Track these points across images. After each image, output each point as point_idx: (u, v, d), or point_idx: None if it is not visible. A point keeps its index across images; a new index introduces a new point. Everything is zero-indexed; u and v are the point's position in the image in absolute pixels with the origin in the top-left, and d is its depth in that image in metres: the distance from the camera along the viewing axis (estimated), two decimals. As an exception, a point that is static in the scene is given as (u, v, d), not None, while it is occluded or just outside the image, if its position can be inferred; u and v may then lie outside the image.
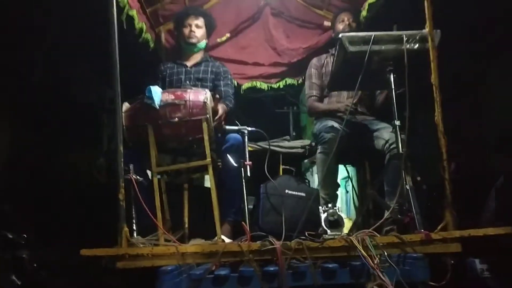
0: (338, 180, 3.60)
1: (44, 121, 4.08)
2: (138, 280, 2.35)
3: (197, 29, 3.27)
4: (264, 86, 3.94)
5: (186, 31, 3.27)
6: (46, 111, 4.06)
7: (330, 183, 2.91)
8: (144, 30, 3.38)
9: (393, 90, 2.53)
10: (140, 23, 3.30)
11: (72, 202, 4.17)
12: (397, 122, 2.49)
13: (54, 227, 3.84)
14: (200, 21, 3.29)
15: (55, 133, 4.14)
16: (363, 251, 2.00)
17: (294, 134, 4.57)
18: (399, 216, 2.40)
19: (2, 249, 3.17)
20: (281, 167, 3.33)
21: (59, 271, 3.40)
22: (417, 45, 2.49)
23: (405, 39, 2.46)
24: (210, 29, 3.38)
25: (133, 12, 3.17)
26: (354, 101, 2.81)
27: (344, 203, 5.30)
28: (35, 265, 3.29)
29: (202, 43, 3.33)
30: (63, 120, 4.16)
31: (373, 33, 2.47)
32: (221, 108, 2.83)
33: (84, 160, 4.30)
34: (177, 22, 3.38)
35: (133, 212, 2.46)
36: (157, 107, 2.53)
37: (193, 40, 3.26)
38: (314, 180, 4.12)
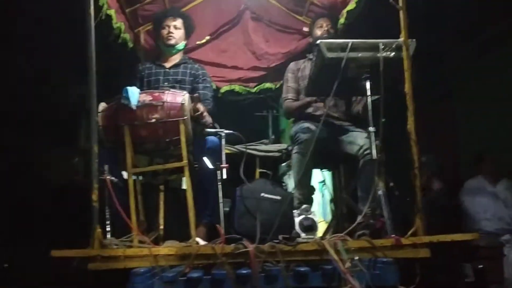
0: (315, 184, 3.64)
1: (20, 120, 4.03)
2: (110, 282, 2.34)
3: (175, 31, 3.26)
4: (242, 90, 3.95)
5: (164, 32, 3.26)
6: (22, 110, 4.01)
7: (305, 184, 2.94)
8: (122, 30, 3.36)
9: (369, 97, 2.58)
10: (118, 22, 3.28)
11: (48, 202, 4.12)
12: (372, 129, 2.53)
13: (28, 228, 3.79)
14: (179, 22, 3.28)
15: (31, 132, 4.09)
16: (334, 255, 2.03)
17: (273, 137, 4.59)
18: (371, 221, 2.45)
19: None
20: (258, 170, 3.34)
21: (31, 271, 3.36)
22: (393, 53, 2.53)
23: (381, 47, 2.50)
24: (189, 30, 3.38)
25: (112, 12, 3.15)
26: (327, 105, 2.84)
27: (321, 206, 5.35)
28: (4, 265, 3.25)
29: (181, 45, 3.32)
30: (40, 119, 4.11)
31: (350, 41, 2.51)
32: (201, 106, 2.83)
33: (61, 159, 4.25)
34: (156, 23, 3.36)
35: (107, 213, 2.44)
36: (134, 107, 2.52)
37: (171, 42, 3.25)
38: (291, 183, 4.14)
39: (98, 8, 2.98)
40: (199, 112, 2.78)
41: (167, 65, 3.28)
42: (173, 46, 3.26)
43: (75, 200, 3.43)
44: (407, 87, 2.39)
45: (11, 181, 3.90)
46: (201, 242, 2.58)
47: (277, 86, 3.90)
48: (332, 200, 3.67)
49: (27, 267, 3.35)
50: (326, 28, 3.35)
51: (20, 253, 3.50)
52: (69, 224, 3.53)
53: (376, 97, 2.57)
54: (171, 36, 3.24)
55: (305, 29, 3.85)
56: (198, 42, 3.82)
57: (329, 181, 3.78)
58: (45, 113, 4.11)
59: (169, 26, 3.25)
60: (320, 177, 3.81)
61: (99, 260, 2.07)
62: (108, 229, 2.44)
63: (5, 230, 3.49)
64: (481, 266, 3.08)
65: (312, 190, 3.13)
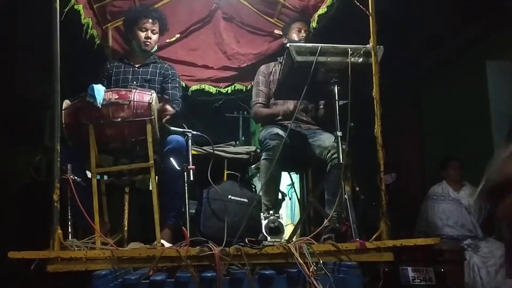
0: (284, 187, 3.65)
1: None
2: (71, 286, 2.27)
3: (153, 36, 3.17)
4: (212, 89, 3.90)
5: (142, 35, 3.14)
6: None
7: (272, 190, 2.94)
8: (90, 26, 3.29)
9: (337, 101, 2.60)
10: (86, 18, 3.21)
11: (8, 201, 3.99)
12: (339, 133, 2.55)
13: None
14: (157, 27, 3.19)
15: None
16: (299, 259, 2.03)
17: (243, 139, 4.58)
18: (337, 225, 2.47)
19: None
20: (226, 172, 3.32)
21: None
22: (361, 59, 2.56)
23: (350, 52, 2.53)
24: (162, 31, 3.30)
25: (80, 7, 3.08)
26: (296, 111, 2.85)
27: (288, 209, 5.37)
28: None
29: (154, 48, 3.26)
30: (4, 116, 3.98)
31: (319, 45, 2.52)
32: (169, 107, 2.79)
33: (22, 158, 4.12)
34: (131, 22, 3.21)
35: (69, 214, 2.37)
36: (99, 105, 2.47)
37: (148, 48, 3.16)
38: (260, 186, 4.14)
39: (66, 3, 2.91)
40: (169, 113, 2.74)
41: (136, 63, 3.20)
42: (147, 51, 3.18)
43: (37, 199, 3.33)
44: (375, 92, 2.42)
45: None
46: (166, 244, 2.54)
47: (248, 87, 3.88)
48: (300, 203, 3.69)
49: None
50: (303, 34, 3.35)
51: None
52: (30, 225, 3.43)
53: (344, 101, 2.60)
54: (148, 42, 3.15)
55: (277, 31, 3.86)
56: (167, 40, 3.76)
57: (297, 184, 3.79)
58: (7, 108, 3.97)
59: (147, 30, 3.14)
60: (289, 180, 3.83)
61: (59, 262, 2.01)
62: (69, 230, 2.38)
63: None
64: (442, 269, 3.14)
65: (282, 195, 3.14)
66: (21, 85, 4.33)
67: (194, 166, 2.64)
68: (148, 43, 3.15)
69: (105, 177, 3.02)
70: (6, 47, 3.90)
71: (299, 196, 3.66)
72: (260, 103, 3.31)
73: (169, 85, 3.16)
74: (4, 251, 2.02)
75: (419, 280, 2.90)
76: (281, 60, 3.31)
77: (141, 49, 3.17)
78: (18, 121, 4.19)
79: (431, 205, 4.21)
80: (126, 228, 2.79)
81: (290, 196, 4.12)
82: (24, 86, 4.34)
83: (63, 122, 2.52)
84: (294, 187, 3.75)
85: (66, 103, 2.59)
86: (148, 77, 3.14)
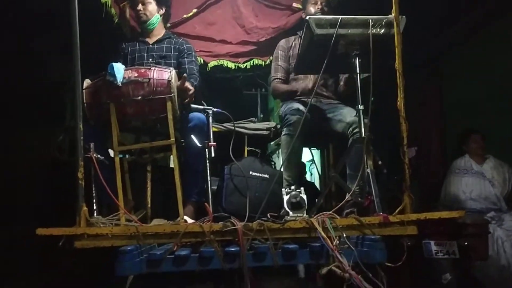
0: (305, 163, 3.64)
1: (3, 98, 3.94)
2: (98, 261, 2.32)
3: (143, 6, 3.14)
4: (231, 65, 3.86)
5: (136, 10, 3.15)
6: (6, 88, 3.92)
7: (293, 165, 2.93)
8: (109, 5, 3.28)
9: (358, 74, 2.56)
10: (105, -4, 3.21)
11: (34, 181, 4.07)
12: (361, 107, 2.51)
13: (14, 207, 3.75)
14: None
15: (15, 111, 4.01)
16: (322, 233, 2.03)
17: (261, 116, 4.57)
18: (359, 199, 2.46)
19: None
20: (246, 148, 3.32)
21: (18, 251, 3.34)
22: (383, 30, 2.50)
23: (371, 23, 2.47)
24: (161, 1, 3.25)
25: (98, -15, 3.07)
26: (316, 87, 2.81)
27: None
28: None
29: (154, 19, 3.19)
30: (25, 98, 4.03)
31: (339, 17, 2.47)
32: (189, 84, 2.78)
33: (45, 138, 4.19)
34: (131, 1, 3.23)
35: (93, 192, 2.41)
36: (120, 84, 2.47)
37: (143, 18, 3.14)
38: (280, 162, 4.14)
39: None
40: (190, 92, 2.74)
41: (150, 41, 3.19)
42: (146, 22, 3.16)
43: (61, 178, 3.39)
44: (397, 64, 2.36)
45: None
46: (189, 220, 2.57)
47: (267, 62, 3.84)
48: (321, 179, 3.68)
49: (15, 247, 3.32)
50: (320, 6, 3.28)
51: (7, 233, 3.47)
52: (56, 204, 3.50)
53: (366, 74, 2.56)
54: (141, 13, 3.13)
55: (295, 4, 3.78)
56: (184, 16, 3.72)
57: (317, 160, 3.78)
58: (29, 90, 4.02)
59: (138, 3, 3.13)
60: (309, 156, 3.81)
61: (85, 238, 2.05)
62: (95, 207, 2.42)
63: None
64: (466, 243, 3.12)
65: (301, 168, 3.13)
66: (41, 66, 4.36)
67: (215, 143, 2.65)
68: (141, 14, 3.13)
69: (127, 156, 3.05)
70: (25, 28, 3.91)
71: (320, 172, 3.65)
72: (279, 78, 3.28)
73: (185, 59, 3.13)
74: (32, 229, 2.07)
75: (442, 254, 2.89)
76: (301, 34, 3.27)
77: (139, 22, 3.15)
78: (40, 102, 4.24)
79: (454, 179, 4.15)
80: (149, 205, 2.82)
81: (310, 172, 4.12)
82: (44, 67, 4.37)
83: (85, 101, 2.54)
84: (314, 162, 3.74)
85: (87, 82, 2.60)
86: (164, 53, 3.12)
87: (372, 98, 2.49)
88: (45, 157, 4.11)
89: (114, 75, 2.46)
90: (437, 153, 5.19)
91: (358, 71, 2.55)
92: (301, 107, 2.88)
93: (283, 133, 2.93)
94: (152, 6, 3.17)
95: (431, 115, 5.25)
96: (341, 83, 3.25)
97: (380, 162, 2.74)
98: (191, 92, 2.75)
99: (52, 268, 3.27)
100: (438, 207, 3.97)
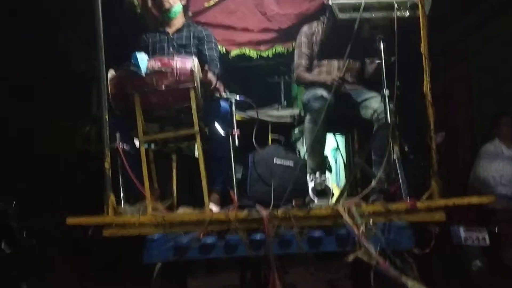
0: (328, 150, 3.61)
1: (31, 91, 4.03)
2: (126, 249, 2.37)
3: None
4: (253, 53, 3.84)
5: None
6: (34, 81, 4.01)
7: (317, 152, 2.90)
8: (132, -5, 3.31)
9: (383, 58, 2.51)
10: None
11: (62, 171, 4.17)
12: (386, 92, 2.47)
13: (44, 196, 3.85)
14: None
15: (44, 102, 4.10)
16: (348, 220, 2.01)
17: (285, 103, 4.54)
18: (385, 186, 2.42)
19: (-10, 218, 3.17)
20: (270, 136, 3.31)
21: (49, 239, 3.43)
22: (408, 12, 2.44)
23: (395, 6, 2.41)
24: None
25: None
26: (341, 75, 2.77)
27: (334, 172, 5.33)
28: (24, 233, 3.30)
29: (177, 7, 3.17)
30: (52, 89, 4.11)
31: (362, 0, 2.42)
32: (212, 76, 2.79)
33: (73, 129, 4.27)
34: None
35: (120, 181, 2.45)
36: (143, 74, 2.49)
37: (166, 6, 3.12)
38: (304, 149, 4.12)
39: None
40: (213, 86, 2.74)
41: (171, 30, 3.18)
42: (168, 10, 3.14)
43: (89, 169, 3.46)
44: (423, 47, 2.31)
45: (25, 152, 3.94)
46: (215, 208, 2.59)
47: (289, 49, 3.79)
48: (345, 165, 3.64)
49: (44, 236, 3.41)
50: None
51: (38, 223, 3.56)
52: (84, 193, 3.58)
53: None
54: (164, 1, 3.12)
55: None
56: (206, 4, 3.70)
57: (342, 146, 3.74)
58: (55, 81, 4.09)
59: None
60: (334, 143, 3.78)
61: (113, 227, 2.09)
62: (122, 196, 2.46)
63: (22, 202, 3.54)
64: (497, 229, 3.06)
65: (325, 158, 3.10)
66: (67, 58, 4.43)
67: (238, 131, 2.65)
68: (165, 2, 3.11)
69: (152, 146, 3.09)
70: (51, 22, 3.98)
71: (344, 159, 3.62)
72: (303, 66, 3.24)
73: (205, 46, 3.12)
74: (62, 219, 2.12)
75: (471, 240, 2.84)
76: (324, 20, 3.22)
77: (161, 11, 3.15)
78: (66, 94, 4.31)
79: (483, 164, 4.06)
80: (175, 194, 2.85)
81: (335, 159, 4.08)
82: (70, 59, 4.44)
83: (109, 92, 2.57)
84: (339, 149, 3.70)
85: (111, 73, 2.63)
86: (184, 42, 3.11)
87: (398, 83, 2.44)
88: (73, 148, 4.20)
89: (138, 66, 2.48)
90: (466, 138, 5.08)
91: (383, 56, 2.50)
92: (325, 94, 2.85)
93: (307, 120, 2.90)
94: None
95: (459, 99, 5.14)
96: (369, 69, 3.20)
97: (406, 148, 2.70)
98: (213, 85, 2.75)
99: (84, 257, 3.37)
100: (467, 193, 3.89)
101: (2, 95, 3.90)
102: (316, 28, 3.29)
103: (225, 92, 2.93)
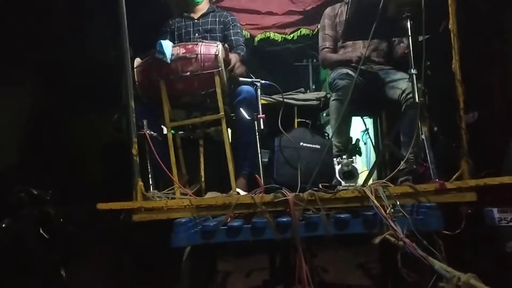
0: (358, 133, 3.56)
1: (65, 81, 4.13)
2: (156, 233, 2.42)
3: None
4: (278, 37, 3.81)
5: None
6: (67, 71, 4.10)
7: (343, 131, 2.88)
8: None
9: (410, 37, 2.44)
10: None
11: (96, 159, 4.27)
12: (414, 71, 2.41)
13: (79, 184, 3.96)
14: None
15: (77, 92, 4.19)
16: (375, 201, 1.98)
17: (313, 87, 4.49)
18: (414, 167, 2.38)
19: (29, 205, 3.28)
20: (296, 120, 3.29)
21: (85, 226, 3.53)
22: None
23: (422, -18, 2.34)
24: None
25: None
26: (366, 53, 2.71)
27: (363, 155, 5.27)
28: (61, 219, 3.41)
29: None
30: (84, 79, 4.19)
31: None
32: (233, 57, 2.79)
33: (105, 117, 4.36)
34: None
35: (149, 167, 2.50)
36: (169, 61, 2.51)
37: None
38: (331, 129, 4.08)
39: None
40: (231, 66, 2.74)
41: (195, 16, 3.21)
42: None
43: (120, 156, 3.53)
44: (452, 24, 2.23)
45: (59, 141, 4.05)
46: (242, 192, 2.60)
47: (314, 32, 3.75)
48: (374, 148, 3.60)
49: (80, 222, 3.52)
50: None
51: (73, 209, 3.67)
52: (117, 180, 3.66)
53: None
54: None
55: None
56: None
57: (371, 129, 3.69)
58: (84, 70, 4.18)
59: None
60: (362, 126, 3.73)
61: (142, 212, 2.13)
62: (150, 182, 2.51)
63: (59, 190, 3.66)
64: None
65: (356, 142, 3.06)
66: (96, 48, 4.50)
67: (264, 115, 2.65)
68: None
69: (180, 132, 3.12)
70: (78, 14, 4.05)
71: (373, 141, 3.57)
72: (328, 47, 3.20)
73: (231, 31, 3.13)
74: (94, 205, 2.18)
75: (506, 221, 2.76)
76: (348, 1, 3.16)
77: None
78: (100, 83, 4.39)
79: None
80: (203, 179, 2.88)
81: (365, 141, 4.03)
82: (99, 49, 4.51)
83: (136, 80, 2.61)
84: (368, 132, 3.65)
85: (137, 61, 2.66)
86: (209, 27, 3.13)
87: (428, 62, 2.38)
88: (106, 136, 4.30)
89: (163, 53, 2.51)
90: (501, 118, 4.91)
91: (410, 34, 2.44)
92: (351, 72, 2.81)
93: (332, 98, 2.87)
94: None
95: (493, 78, 4.96)
96: (398, 50, 3.13)
97: (435, 128, 2.64)
98: (232, 65, 2.74)
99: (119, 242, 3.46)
100: (501, 173, 3.77)
101: (38, 86, 4.02)
102: (339, 9, 3.25)
103: (250, 76, 2.93)
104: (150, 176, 2.49)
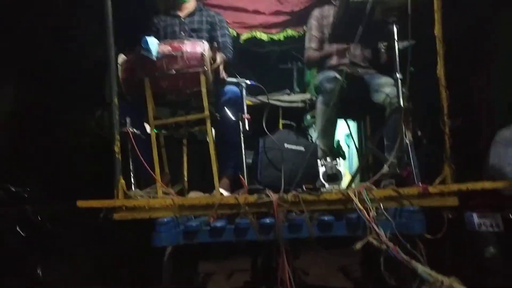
0: (341, 136, 3.58)
1: (48, 77, 4.06)
2: (137, 233, 2.39)
3: None
4: (264, 36, 3.79)
5: None
6: (49, 67, 4.03)
7: (329, 135, 2.88)
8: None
9: (396, 42, 2.46)
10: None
11: (77, 156, 4.20)
12: (399, 76, 2.43)
13: (59, 181, 3.90)
14: None
15: (59, 88, 4.12)
16: (358, 204, 1.99)
17: (298, 90, 4.50)
18: (397, 170, 2.39)
19: (6, 202, 3.21)
20: (281, 121, 3.29)
21: (63, 223, 3.47)
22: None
23: (409, -13, 2.36)
24: None
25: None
26: (350, 50, 2.72)
27: (347, 158, 5.30)
28: (39, 217, 3.35)
29: None
30: (67, 75, 4.13)
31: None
32: (219, 57, 2.76)
33: (87, 114, 4.30)
34: None
35: (131, 166, 2.46)
36: (154, 58, 2.48)
37: None
38: (316, 134, 4.08)
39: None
40: (215, 65, 2.72)
41: (182, 14, 3.16)
42: None
43: (104, 153, 3.49)
44: (437, 30, 2.26)
45: (40, 137, 3.98)
46: (225, 193, 2.59)
47: (301, 33, 3.75)
48: (358, 151, 3.61)
49: (59, 220, 3.46)
50: None
51: (52, 206, 3.61)
52: (97, 177, 3.61)
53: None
54: None
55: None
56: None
57: (354, 132, 3.71)
58: (67, 67, 4.11)
59: None
60: (346, 129, 3.75)
61: (124, 210, 2.10)
62: (132, 181, 2.48)
63: (36, 184, 3.59)
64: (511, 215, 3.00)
65: (338, 144, 3.07)
66: (81, 44, 4.44)
67: (249, 116, 2.63)
68: None
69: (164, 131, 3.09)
70: (62, 10, 3.99)
71: (357, 144, 3.59)
72: (313, 48, 3.21)
73: (218, 32, 3.10)
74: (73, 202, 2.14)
75: (485, 227, 2.80)
76: (335, 3, 3.17)
77: None
78: (83, 80, 4.33)
79: (499, 151, 3.97)
80: (186, 178, 2.86)
81: (347, 145, 4.05)
82: (85, 45, 4.45)
83: (120, 77, 2.57)
84: (351, 135, 3.67)
85: (122, 58, 2.62)
86: (195, 26, 3.09)
87: (412, 68, 2.40)
88: (89, 132, 4.24)
89: (148, 50, 2.47)
90: (485, 123, 4.99)
91: (395, 39, 2.46)
92: (338, 76, 2.82)
93: (318, 101, 2.87)
94: None
95: (478, 84, 5.03)
96: (383, 56, 3.15)
97: (419, 133, 2.66)
98: (217, 65, 2.72)
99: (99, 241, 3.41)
100: (481, 178, 3.83)
101: (20, 82, 3.94)
102: (327, 11, 3.25)
103: (236, 76, 2.91)
104: (132, 174, 2.45)
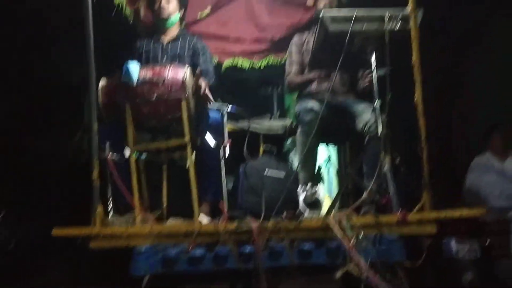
0: (321, 161, 3.59)
1: (23, 99, 4.01)
2: (114, 260, 2.33)
3: (166, 4, 3.10)
4: (245, 63, 3.83)
5: (156, 5, 3.11)
6: (26, 89, 3.99)
7: (310, 165, 2.89)
8: (123, 6, 3.29)
9: (375, 70, 2.51)
10: (118, -1, 3.22)
11: (53, 181, 4.13)
12: (378, 103, 2.47)
13: (33, 206, 3.81)
14: None
15: (34, 112, 4.07)
16: (339, 232, 1.99)
17: (278, 115, 4.53)
18: (377, 197, 2.41)
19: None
20: (262, 146, 3.30)
21: (35, 250, 3.39)
22: (399, 24, 2.45)
23: (386, 18, 2.42)
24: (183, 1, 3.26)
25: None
26: (332, 82, 2.77)
27: (326, 183, 5.32)
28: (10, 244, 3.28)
29: (175, 17, 3.16)
30: (44, 98, 4.09)
31: (354, 11, 2.43)
32: (203, 84, 2.77)
33: (65, 138, 4.25)
34: None
35: (109, 191, 2.42)
36: (134, 85, 2.47)
37: (164, 15, 3.09)
38: (297, 160, 4.10)
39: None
40: (202, 90, 2.72)
41: (165, 39, 3.17)
42: (166, 19, 3.12)
43: (79, 178, 3.43)
44: (415, 58, 2.31)
45: (14, 162, 3.91)
46: (205, 219, 2.56)
47: (282, 61, 3.79)
48: (338, 176, 3.63)
49: (31, 246, 3.38)
50: (327, 2, 3.23)
51: (27, 233, 3.53)
52: (74, 203, 3.54)
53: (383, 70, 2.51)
54: (162, 9, 3.09)
55: (309, 2, 3.73)
56: (200, 13, 3.70)
57: (334, 157, 3.73)
58: (49, 91, 4.08)
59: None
60: (326, 154, 3.77)
61: (101, 238, 2.05)
62: (110, 207, 2.43)
63: (11, 211, 3.51)
64: (488, 242, 3.05)
65: (318, 170, 3.08)
66: (60, 67, 4.42)
67: (230, 140, 2.63)
68: (161, 11, 3.09)
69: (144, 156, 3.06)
70: (42, 33, 3.97)
71: (337, 169, 3.61)
72: (293, 72, 3.25)
73: (200, 58, 3.11)
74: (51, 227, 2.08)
75: (463, 253, 2.83)
76: (315, 30, 3.22)
77: (158, 18, 3.13)
78: (60, 105, 4.29)
79: (475, 178, 4.05)
80: (165, 204, 2.82)
81: (327, 170, 4.07)
82: (64, 68, 4.43)
83: (100, 101, 2.55)
84: (331, 160, 3.70)
85: (103, 82, 2.61)
86: (178, 52, 3.10)
87: (390, 95, 2.44)
88: (67, 158, 4.17)
89: (129, 76, 2.46)
90: (460, 149, 5.08)
91: (374, 67, 2.51)
92: (316, 106, 2.83)
93: (298, 133, 2.89)
94: (175, 4, 3.15)
95: (453, 108, 5.13)
96: (363, 80, 3.20)
97: (398, 160, 2.69)
98: (202, 91, 2.73)
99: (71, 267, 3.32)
100: (459, 205, 3.88)
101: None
102: (306, 38, 3.30)
103: (216, 102, 2.91)
104: (110, 200, 2.41)
